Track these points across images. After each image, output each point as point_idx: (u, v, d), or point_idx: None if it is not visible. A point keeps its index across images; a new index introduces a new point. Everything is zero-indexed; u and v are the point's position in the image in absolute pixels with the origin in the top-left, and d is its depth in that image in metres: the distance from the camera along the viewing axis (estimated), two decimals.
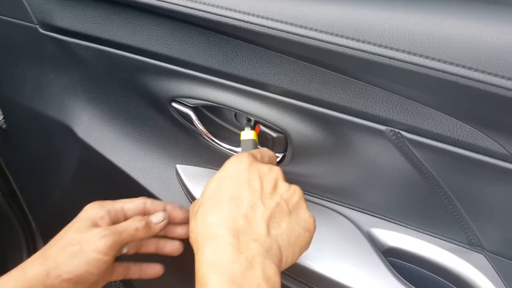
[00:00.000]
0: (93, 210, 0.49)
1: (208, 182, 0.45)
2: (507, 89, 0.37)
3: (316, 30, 0.42)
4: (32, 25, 0.59)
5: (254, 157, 0.47)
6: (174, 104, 0.57)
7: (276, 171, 0.46)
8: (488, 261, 0.53)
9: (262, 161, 0.48)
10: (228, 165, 0.46)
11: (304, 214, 0.44)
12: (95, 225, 0.48)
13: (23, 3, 0.58)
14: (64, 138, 0.70)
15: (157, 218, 0.50)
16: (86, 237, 0.46)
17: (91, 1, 0.53)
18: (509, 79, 0.36)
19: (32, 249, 1.01)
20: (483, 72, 0.37)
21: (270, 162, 0.50)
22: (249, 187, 0.43)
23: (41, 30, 0.59)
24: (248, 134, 0.55)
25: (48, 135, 0.74)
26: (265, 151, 0.50)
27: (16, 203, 0.98)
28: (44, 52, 0.62)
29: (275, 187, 0.44)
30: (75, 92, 0.65)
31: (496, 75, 0.37)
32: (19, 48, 0.65)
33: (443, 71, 0.38)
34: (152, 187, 0.64)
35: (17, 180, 0.95)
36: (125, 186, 0.67)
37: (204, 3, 0.46)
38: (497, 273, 0.52)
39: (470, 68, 0.37)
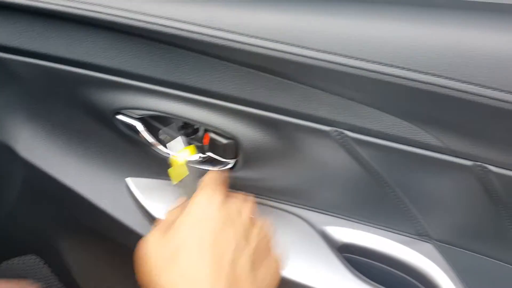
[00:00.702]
0: None
1: (176, 222, 0.43)
2: (439, 86, 0.39)
3: (257, 37, 0.43)
4: None
5: (216, 192, 0.46)
6: (119, 117, 0.56)
7: (247, 203, 0.46)
8: (436, 249, 0.55)
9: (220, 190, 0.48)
10: (199, 202, 0.44)
11: (273, 256, 0.45)
12: None
13: None
14: (5, 158, 0.67)
15: None
16: None
17: (23, 15, 0.51)
18: (439, 76, 0.38)
19: None
20: (415, 71, 0.39)
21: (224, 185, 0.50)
22: (231, 227, 0.43)
23: None
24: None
25: None
26: (217, 177, 0.50)
27: None
28: None
29: (252, 224, 0.45)
30: (14, 110, 0.62)
31: (427, 74, 0.39)
32: None
33: (378, 72, 0.40)
34: (103, 203, 0.63)
35: None
36: (74, 204, 0.65)
37: (143, 13, 0.45)
38: (445, 260, 0.54)
39: (403, 68, 0.39)
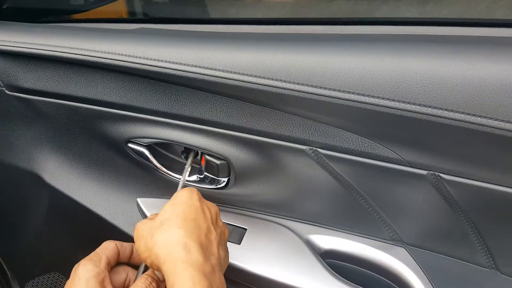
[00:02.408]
0: (89, 268, 0.52)
1: (162, 209, 0.53)
2: (386, 107, 0.47)
3: (239, 73, 0.52)
4: None
5: (195, 191, 0.56)
6: (130, 145, 0.65)
7: (216, 207, 0.56)
8: (408, 253, 0.62)
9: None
10: (181, 195, 0.54)
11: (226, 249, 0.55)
12: (101, 284, 0.51)
13: None
14: (33, 185, 0.76)
15: (161, 276, 0.55)
16: None
17: (50, 63, 0.62)
18: (386, 99, 0.47)
19: None
20: (365, 95, 0.47)
21: None
22: (203, 214, 0.52)
23: (7, 92, 0.67)
24: None
25: (17, 185, 0.80)
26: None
27: None
28: (11, 110, 0.70)
29: (217, 220, 0.55)
30: (41, 143, 0.72)
31: (376, 97, 0.47)
32: None
33: (338, 98, 0.48)
34: (116, 220, 0.71)
35: None
36: (91, 222, 0.73)
37: (146, 58, 0.55)
38: (416, 263, 0.61)
39: (358, 94, 0.47)
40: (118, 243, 0.57)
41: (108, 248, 0.55)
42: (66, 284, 0.52)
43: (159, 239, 0.48)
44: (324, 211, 0.63)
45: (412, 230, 0.60)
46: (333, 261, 0.64)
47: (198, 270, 0.45)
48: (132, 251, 0.58)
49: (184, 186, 0.60)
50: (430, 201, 0.55)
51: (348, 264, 0.64)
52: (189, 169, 0.63)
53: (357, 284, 0.60)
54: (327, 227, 0.65)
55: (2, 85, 0.67)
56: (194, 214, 0.51)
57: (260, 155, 0.59)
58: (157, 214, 0.53)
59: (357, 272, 0.64)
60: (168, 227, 0.49)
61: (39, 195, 0.77)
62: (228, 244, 0.65)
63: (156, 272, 0.53)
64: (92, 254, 0.54)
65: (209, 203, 0.56)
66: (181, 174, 0.67)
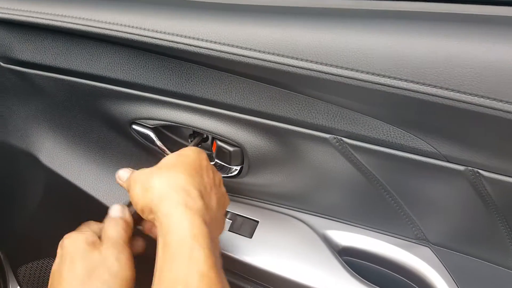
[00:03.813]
0: (75, 236, 0.48)
1: (169, 155, 0.50)
2: (428, 94, 0.42)
3: (259, 51, 0.46)
4: None
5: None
6: (134, 126, 0.60)
7: (220, 176, 0.54)
8: (434, 253, 0.57)
9: None
10: (189, 149, 0.51)
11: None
12: (93, 245, 0.47)
13: None
14: (29, 166, 0.71)
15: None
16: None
17: (49, 33, 0.56)
18: (428, 85, 0.41)
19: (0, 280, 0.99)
20: (405, 80, 0.42)
21: None
22: (207, 172, 0.49)
23: (2, 64, 0.61)
24: None
25: (12, 164, 0.75)
26: None
27: None
28: (6, 84, 0.64)
29: (220, 184, 0.52)
30: (38, 121, 0.67)
31: (417, 83, 0.42)
32: None
33: (371, 82, 0.43)
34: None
35: None
36: (91, 209, 0.69)
37: (156, 31, 0.50)
38: (442, 264, 0.56)
39: (394, 78, 0.42)
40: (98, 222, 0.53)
41: (90, 223, 0.52)
42: (55, 260, 0.48)
43: (157, 181, 0.45)
44: (343, 205, 0.59)
45: (439, 229, 0.56)
46: (351, 259, 0.60)
47: (197, 214, 0.42)
48: None
49: None
50: (464, 199, 0.50)
51: (367, 263, 0.60)
52: None
53: (377, 285, 0.56)
54: (346, 222, 0.60)
55: None
56: (199, 168, 0.48)
57: (278, 142, 0.54)
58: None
59: (377, 271, 0.60)
60: (169, 171, 0.46)
61: (35, 177, 0.72)
62: (239, 237, 0.60)
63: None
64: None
65: (214, 168, 0.52)
66: None
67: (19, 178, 0.77)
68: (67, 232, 0.50)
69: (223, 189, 0.52)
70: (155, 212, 0.43)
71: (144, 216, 0.46)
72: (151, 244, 0.49)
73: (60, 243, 0.49)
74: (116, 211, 0.51)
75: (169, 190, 0.44)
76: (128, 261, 0.47)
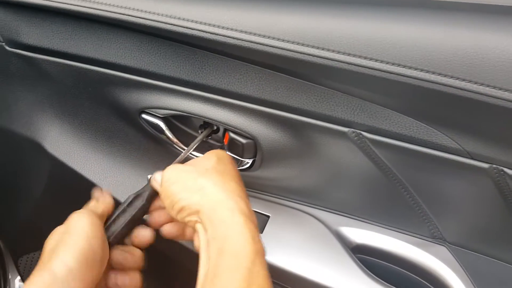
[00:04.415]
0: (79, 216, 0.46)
1: (197, 159, 0.49)
2: (456, 88, 0.40)
3: (278, 39, 0.44)
4: None
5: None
6: (143, 115, 0.58)
7: None
8: (450, 252, 0.56)
9: None
10: (224, 155, 0.50)
11: None
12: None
13: None
14: (33, 154, 0.70)
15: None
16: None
17: (57, 17, 0.54)
18: (457, 78, 0.39)
19: (0, 270, 0.98)
20: (433, 73, 0.40)
21: None
22: (239, 178, 0.48)
23: (7, 48, 0.59)
24: None
25: (16, 152, 0.73)
26: None
27: None
28: (11, 69, 0.62)
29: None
30: (43, 108, 0.65)
31: (445, 75, 0.40)
32: None
33: (397, 74, 0.41)
34: (125, 198, 0.64)
35: None
36: None
37: (169, 16, 0.47)
38: (459, 263, 0.55)
39: (421, 70, 0.40)
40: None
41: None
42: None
43: (210, 183, 0.43)
44: (358, 201, 0.57)
45: (457, 228, 0.54)
46: (365, 257, 0.58)
47: (256, 228, 0.41)
48: None
49: (187, 159, 0.53)
50: (486, 198, 0.48)
51: (382, 261, 0.58)
52: (198, 142, 0.57)
53: (391, 284, 0.54)
54: (360, 219, 0.59)
55: (1, 40, 0.59)
56: (235, 172, 0.48)
57: (293, 135, 0.52)
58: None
59: (391, 270, 0.58)
60: (221, 175, 0.44)
61: (39, 165, 0.71)
62: None
63: None
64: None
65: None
66: (198, 151, 0.60)
67: (22, 166, 0.75)
68: None
69: None
70: (205, 215, 0.41)
71: (177, 216, 0.43)
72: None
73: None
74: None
75: (225, 195, 0.42)
76: (91, 221, 0.44)
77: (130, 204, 0.48)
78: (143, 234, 0.49)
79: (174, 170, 0.46)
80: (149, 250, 0.50)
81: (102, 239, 0.44)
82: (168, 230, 0.50)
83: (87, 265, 0.41)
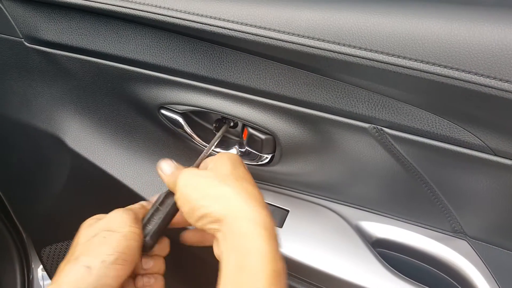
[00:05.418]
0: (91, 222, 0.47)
1: (213, 162, 0.47)
2: (481, 85, 0.39)
3: (298, 35, 0.44)
4: (17, 39, 0.60)
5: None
6: (163, 111, 0.58)
7: None
8: (471, 246, 0.55)
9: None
10: (237, 158, 0.48)
11: None
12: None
13: (7, 17, 0.58)
14: (54, 149, 0.70)
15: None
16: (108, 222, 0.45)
17: (76, 13, 0.54)
18: (482, 75, 0.39)
19: (23, 259, 1.01)
20: (457, 69, 0.39)
21: None
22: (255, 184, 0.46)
23: (26, 44, 0.60)
24: None
25: (37, 146, 0.74)
26: None
27: (6, 214, 0.98)
28: (31, 65, 0.63)
29: None
30: (63, 103, 0.66)
31: (469, 72, 0.39)
32: (5, 62, 0.65)
33: (420, 70, 0.40)
34: (145, 192, 0.65)
35: (5, 192, 0.95)
36: (117, 193, 0.68)
37: (188, 12, 0.47)
38: (480, 258, 0.55)
39: (445, 66, 0.39)
40: (146, 203, 0.51)
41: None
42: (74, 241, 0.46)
43: (230, 192, 0.42)
44: (378, 196, 0.57)
45: (478, 222, 0.54)
46: (385, 251, 0.58)
47: (277, 244, 0.39)
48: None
49: (209, 155, 0.53)
50: (508, 193, 0.48)
51: (402, 255, 0.58)
52: (218, 140, 0.57)
53: (411, 278, 0.54)
54: (380, 213, 0.58)
55: (20, 36, 0.60)
56: (249, 176, 0.46)
57: (312, 131, 0.52)
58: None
59: (411, 264, 0.58)
60: (241, 183, 0.43)
61: (60, 160, 0.72)
62: None
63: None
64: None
65: None
66: (217, 146, 0.60)
67: (44, 160, 0.76)
68: (92, 215, 0.48)
69: None
70: (227, 225, 0.40)
71: (197, 223, 0.43)
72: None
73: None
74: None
75: (247, 205, 0.41)
76: (131, 220, 0.45)
77: (162, 203, 0.48)
78: (161, 246, 0.49)
79: (192, 175, 0.45)
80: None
81: (139, 240, 0.45)
82: (188, 237, 0.50)
83: (123, 264, 0.42)
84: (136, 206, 0.49)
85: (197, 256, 0.69)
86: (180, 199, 0.44)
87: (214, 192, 0.42)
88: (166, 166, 0.48)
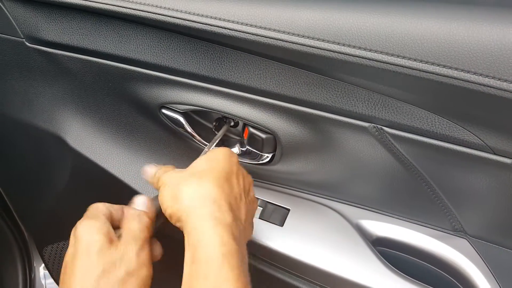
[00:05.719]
0: (90, 224, 0.44)
1: (194, 161, 0.49)
2: (480, 84, 0.39)
3: (298, 35, 0.44)
4: (18, 39, 0.60)
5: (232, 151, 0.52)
6: (164, 111, 0.59)
7: (250, 178, 0.52)
8: (471, 245, 0.56)
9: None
10: (219, 152, 0.49)
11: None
12: (110, 241, 0.43)
13: (8, 18, 0.58)
14: (55, 148, 0.71)
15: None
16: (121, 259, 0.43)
17: (77, 13, 0.54)
18: (481, 75, 0.39)
19: (25, 258, 1.01)
20: (456, 69, 0.39)
21: None
22: (237, 180, 0.48)
23: (27, 44, 0.60)
24: None
25: (38, 146, 0.75)
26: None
27: (7, 213, 0.98)
28: (32, 65, 0.63)
29: (249, 190, 0.50)
30: (65, 103, 0.66)
31: (468, 72, 0.39)
32: (6, 62, 0.65)
33: (419, 70, 0.40)
34: (146, 191, 0.66)
35: (7, 190, 0.96)
36: (119, 192, 0.68)
37: (189, 13, 0.47)
38: (480, 256, 0.55)
39: (444, 66, 0.40)
40: (107, 204, 0.49)
41: (99, 207, 0.48)
42: (68, 250, 0.44)
43: (188, 190, 0.44)
44: (378, 195, 0.57)
45: (478, 221, 0.54)
46: (385, 250, 0.58)
47: (227, 230, 0.41)
48: (122, 215, 0.49)
49: None
50: (508, 192, 0.48)
51: (402, 254, 0.59)
52: (218, 139, 0.58)
53: (411, 276, 0.54)
54: (380, 212, 0.59)
55: (22, 36, 0.60)
56: (229, 175, 0.47)
57: (313, 130, 0.52)
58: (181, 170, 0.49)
59: (411, 263, 0.58)
60: (199, 180, 0.44)
61: (62, 159, 0.72)
62: (270, 225, 0.59)
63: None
64: (85, 215, 0.47)
65: (245, 172, 0.51)
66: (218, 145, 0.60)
67: (45, 159, 0.76)
68: None
69: (252, 193, 0.51)
70: (181, 222, 0.42)
71: (172, 222, 0.45)
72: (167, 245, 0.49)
73: (73, 230, 0.45)
74: (142, 204, 0.49)
75: (198, 202, 0.43)
76: (147, 259, 0.44)
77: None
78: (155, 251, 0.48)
79: (165, 176, 0.47)
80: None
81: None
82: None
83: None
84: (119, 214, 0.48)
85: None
86: (160, 199, 0.46)
87: (176, 192, 0.44)
88: (149, 169, 0.50)
